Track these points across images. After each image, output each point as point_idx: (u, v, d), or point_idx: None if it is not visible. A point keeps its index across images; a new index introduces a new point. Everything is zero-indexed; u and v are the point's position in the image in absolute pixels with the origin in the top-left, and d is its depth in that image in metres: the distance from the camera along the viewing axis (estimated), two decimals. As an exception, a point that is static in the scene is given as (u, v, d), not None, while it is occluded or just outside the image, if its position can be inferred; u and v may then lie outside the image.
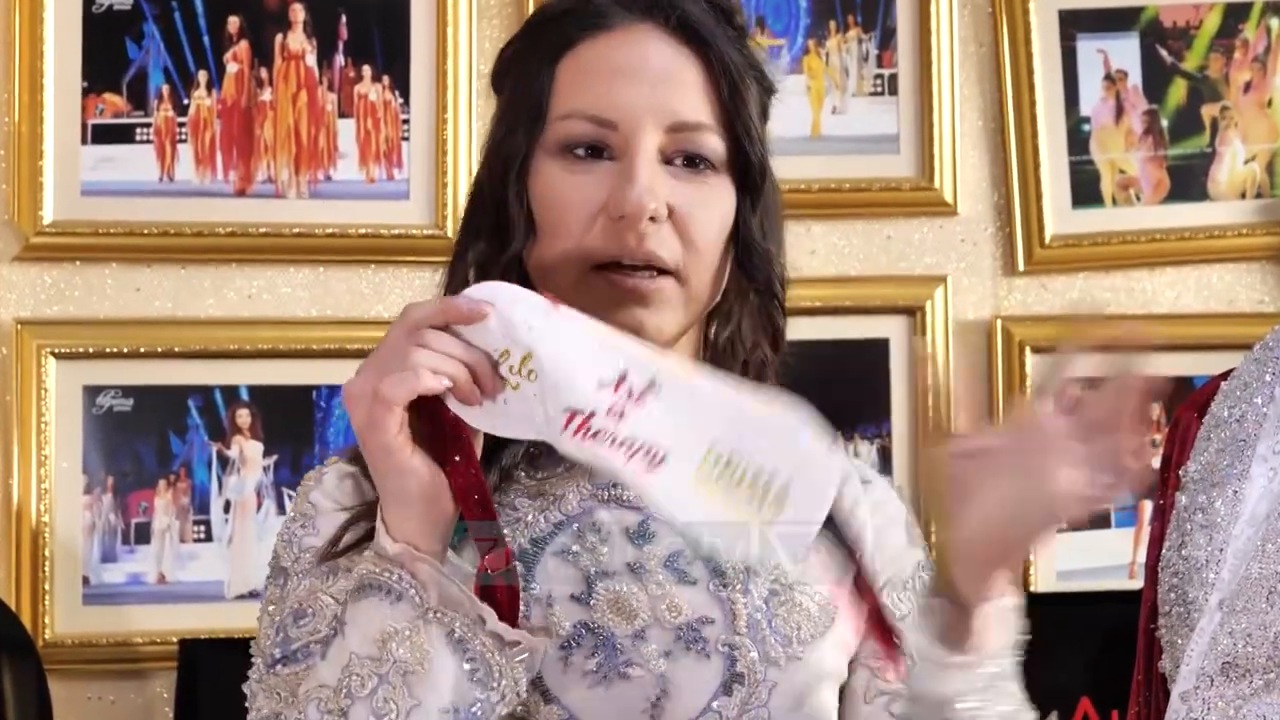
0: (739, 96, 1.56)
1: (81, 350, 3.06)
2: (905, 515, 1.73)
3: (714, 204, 1.57)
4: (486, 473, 1.60)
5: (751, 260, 1.61)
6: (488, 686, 1.47)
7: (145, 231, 3.08)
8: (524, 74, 1.60)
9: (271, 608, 1.62)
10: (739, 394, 1.46)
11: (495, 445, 1.61)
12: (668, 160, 1.55)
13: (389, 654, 1.45)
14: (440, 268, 3.02)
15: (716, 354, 1.67)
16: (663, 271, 1.56)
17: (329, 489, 1.65)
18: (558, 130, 1.56)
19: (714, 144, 1.56)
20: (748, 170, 1.58)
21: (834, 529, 1.61)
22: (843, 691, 1.66)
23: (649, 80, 1.55)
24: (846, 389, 3.16)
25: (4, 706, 2.79)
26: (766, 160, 1.60)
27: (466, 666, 1.46)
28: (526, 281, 1.58)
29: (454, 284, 1.64)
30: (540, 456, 1.63)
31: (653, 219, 1.53)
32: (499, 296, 1.43)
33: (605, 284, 1.55)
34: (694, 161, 1.56)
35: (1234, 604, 1.82)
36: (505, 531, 1.59)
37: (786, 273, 1.67)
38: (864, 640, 1.65)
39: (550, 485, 1.63)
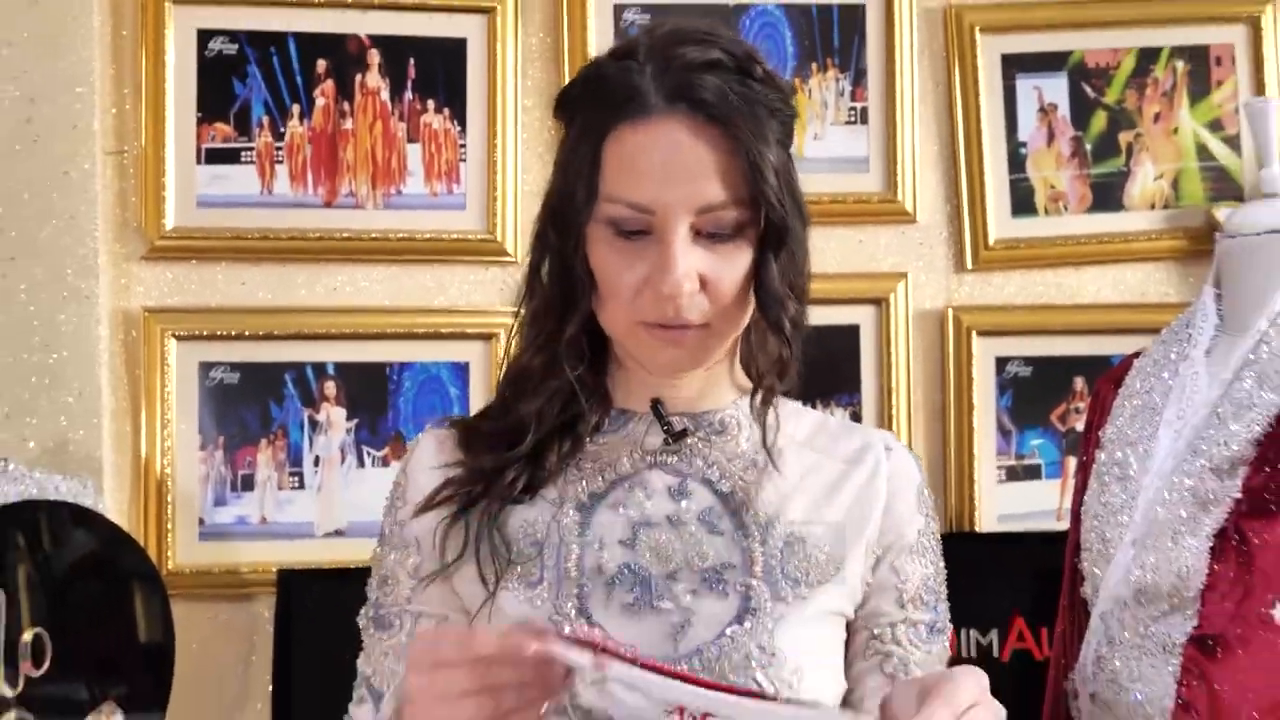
0: (757, 169, 1.52)
1: (197, 333, 3.06)
2: (919, 481, 1.70)
3: (735, 265, 1.56)
4: (564, 439, 1.64)
5: (766, 304, 1.59)
6: None
7: (249, 236, 3.09)
8: (579, 137, 1.58)
9: (375, 562, 1.68)
10: (788, 710, 1.36)
11: (571, 419, 1.64)
12: (698, 232, 1.53)
13: None
14: (489, 266, 3.07)
15: (755, 373, 1.70)
16: (694, 325, 1.56)
17: (424, 456, 1.69)
18: (606, 210, 1.54)
19: (733, 217, 1.54)
20: (769, 228, 1.55)
21: (850, 499, 1.65)
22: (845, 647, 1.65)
23: (679, 174, 1.52)
24: (825, 365, 3.15)
25: (136, 624, 2.80)
26: (789, 214, 1.56)
27: None
28: (590, 327, 1.62)
29: (533, 298, 1.66)
30: (603, 425, 1.66)
31: (689, 293, 1.53)
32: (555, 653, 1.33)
33: (650, 336, 1.57)
34: (718, 234, 1.54)
35: (1144, 542, 1.83)
36: (569, 488, 1.63)
37: (805, 304, 1.64)
38: (867, 601, 1.66)
39: (608, 450, 1.65)
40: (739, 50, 1.58)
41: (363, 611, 1.67)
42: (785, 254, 1.58)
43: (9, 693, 2.67)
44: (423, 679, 1.35)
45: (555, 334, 1.63)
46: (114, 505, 2.97)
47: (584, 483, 1.64)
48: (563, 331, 1.62)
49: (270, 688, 2.97)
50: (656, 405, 1.65)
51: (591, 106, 1.58)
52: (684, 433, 1.65)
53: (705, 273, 1.54)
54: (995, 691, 3.07)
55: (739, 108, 1.53)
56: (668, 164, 1.52)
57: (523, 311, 1.68)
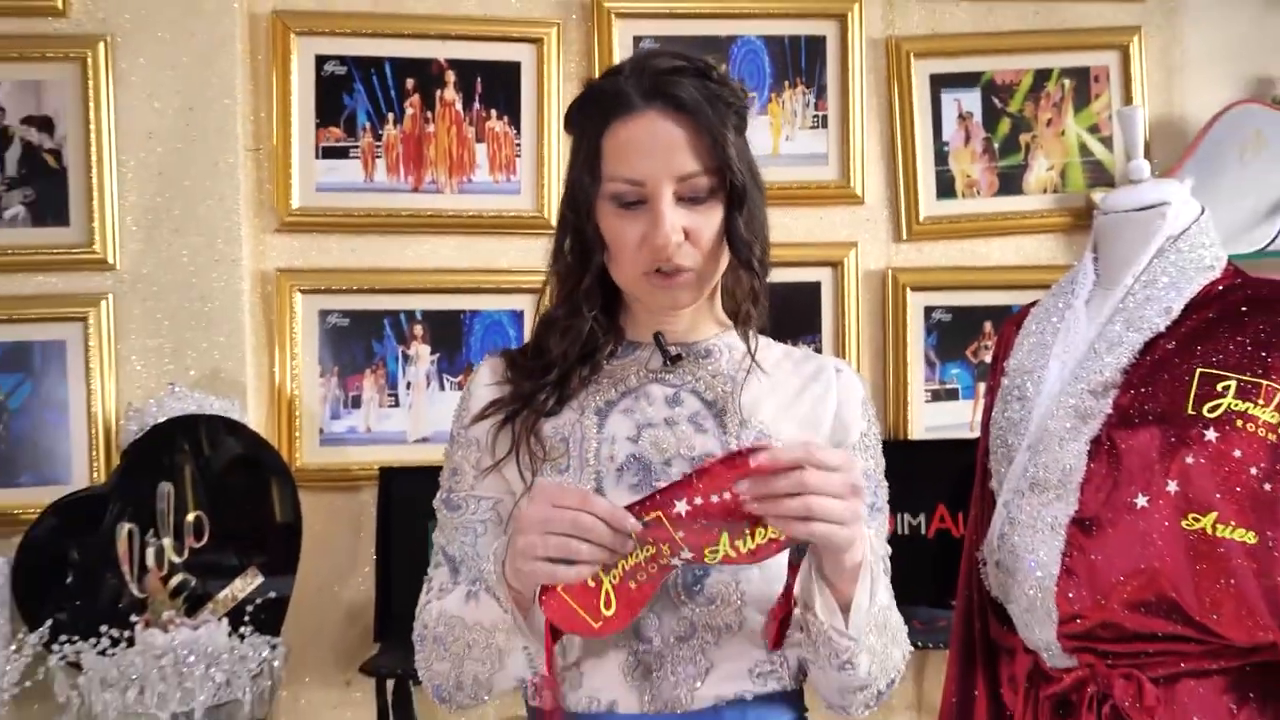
0: (719, 144, 1.54)
1: (317, 288, 3.07)
2: (862, 394, 1.68)
3: (711, 221, 1.57)
4: (584, 366, 1.64)
5: (737, 248, 1.60)
6: (535, 671, 1.53)
7: (355, 214, 3.08)
8: (583, 139, 1.60)
9: (446, 459, 1.69)
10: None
11: (590, 351, 1.65)
12: (680, 198, 1.55)
13: (495, 639, 1.50)
14: (538, 236, 3.07)
15: (733, 307, 1.71)
16: (686, 269, 1.58)
17: (482, 378, 1.70)
18: (608, 188, 1.56)
19: (706, 183, 1.55)
20: (732, 190, 1.56)
21: (809, 406, 1.64)
22: None
23: (660, 151, 1.53)
24: (793, 314, 3.18)
25: (273, 509, 2.81)
26: (747, 180, 1.57)
27: (527, 663, 1.52)
28: (603, 279, 1.63)
29: (558, 264, 1.66)
30: (616, 353, 1.67)
31: (676, 244, 1.55)
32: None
33: (651, 283, 1.59)
34: (696, 197, 1.55)
35: (1037, 447, 1.83)
36: (590, 399, 1.64)
37: (768, 251, 1.65)
38: None
39: (619, 370, 1.66)
40: (699, 61, 1.59)
41: (437, 496, 1.67)
42: (747, 209, 1.59)
43: (178, 559, 2.68)
44: (540, 511, 1.40)
45: (575, 288, 1.64)
46: (255, 418, 2.97)
47: (600, 394, 1.64)
48: (581, 285, 1.63)
49: (374, 557, 2.98)
50: (657, 336, 1.66)
51: (590, 113, 1.60)
52: (678, 357, 1.66)
53: (688, 227, 1.55)
54: (923, 561, 3.08)
55: (701, 99, 1.55)
56: (651, 145, 1.54)
57: (550, 276, 1.69)
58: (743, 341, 1.68)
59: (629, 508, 1.39)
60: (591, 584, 1.40)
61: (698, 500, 1.37)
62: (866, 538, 1.47)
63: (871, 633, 1.50)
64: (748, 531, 1.37)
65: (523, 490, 1.60)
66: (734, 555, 1.38)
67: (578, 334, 1.64)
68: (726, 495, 1.36)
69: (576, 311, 1.64)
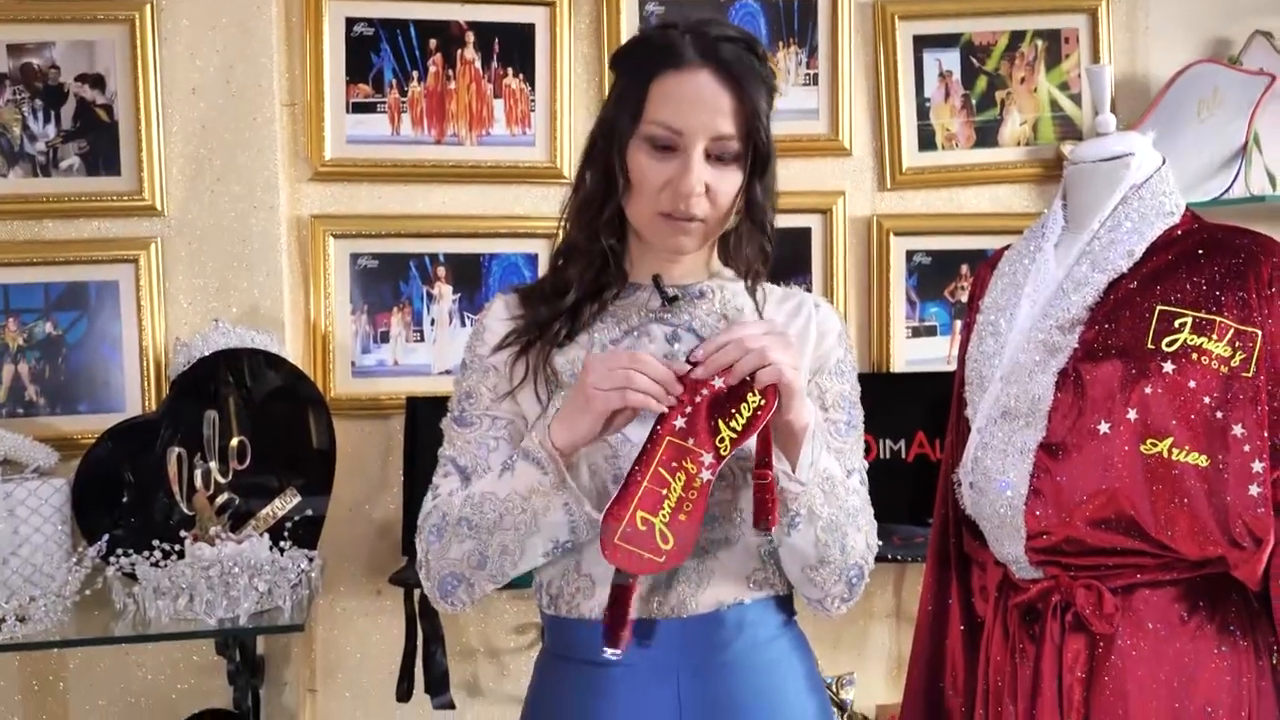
0: (756, 114, 1.55)
1: (348, 233, 3.05)
2: (839, 327, 1.70)
3: (731, 182, 1.57)
4: (594, 302, 1.64)
5: (754, 212, 1.61)
6: (578, 535, 1.53)
7: (383, 165, 3.06)
8: (629, 80, 1.59)
9: (457, 384, 1.68)
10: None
11: (599, 287, 1.65)
12: (708, 154, 1.55)
13: (531, 502, 1.50)
14: (551, 185, 3.07)
15: (727, 257, 1.70)
16: (697, 219, 1.58)
17: (496, 313, 1.69)
18: (647, 129, 1.55)
19: (735, 147, 1.55)
20: (757, 158, 1.57)
21: (792, 337, 1.64)
22: None
23: (704, 108, 1.53)
24: (786, 257, 3.17)
25: (309, 435, 2.81)
26: (771, 153, 1.58)
27: (568, 524, 1.51)
28: (621, 213, 1.63)
29: (577, 196, 1.66)
30: (620, 294, 1.66)
31: (698, 195, 1.55)
32: None
33: (665, 224, 1.58)
34: (722, 157, 1.56)
35: (1009, 378, 1.83)
36: (596, 336, 1.64)
37: (775, 217, 1.66)
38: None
39: (623, 310, 1.66)
40: (750, 35, 1.60)
41: (445, 418, 1.66)
42: (768, 178, 1.60)
43: (223, 480, 2.70)
44: (598, 361, 1.47)
45: (596, 216, 1.63)
46: (292, 352, 2.98)
47: (606, 332, 1.64)
48: (602, 214, 1.63)
49: (402, 478, 2.99)
50: (657, 279, 1.65)
51: (642, 58, 1.59)
52: (675, 298, 1.65)
53: (710, 183, 1.56)
54: (903, 483, 3.08)
55: (748, 71, 1.55)
56: (697, 101, 1.54)
57: (568, 205, 1.68)
58: (748, 296, 1.68)
59: (648, 444, 1.46)
60: (643, 527, 1.44)
61: (688, 410, 1.45)
62: (813, 410, 1.52)
63: (819, 494, 1.52)
64: (734, 411, 1.45)
65: (535, 416, 1.61)
66: (737, 435, 1.45)
67: (593, 259, 1.64)
68: (704, 391, 1.45)
69: (594, 239, 1.63)
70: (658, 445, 1.45)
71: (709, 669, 1.58)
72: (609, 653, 1.49)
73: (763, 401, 1.45)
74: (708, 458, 1.45)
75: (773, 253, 1.67)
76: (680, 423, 1.45)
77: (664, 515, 1.45)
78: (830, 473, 1.54)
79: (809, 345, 1.66)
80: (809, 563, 1.55)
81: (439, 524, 1.56)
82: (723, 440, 1.45)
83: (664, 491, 1.45)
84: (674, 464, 1.45)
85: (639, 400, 1.44)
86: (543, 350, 1.62)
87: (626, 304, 1.66)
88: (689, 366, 1.47)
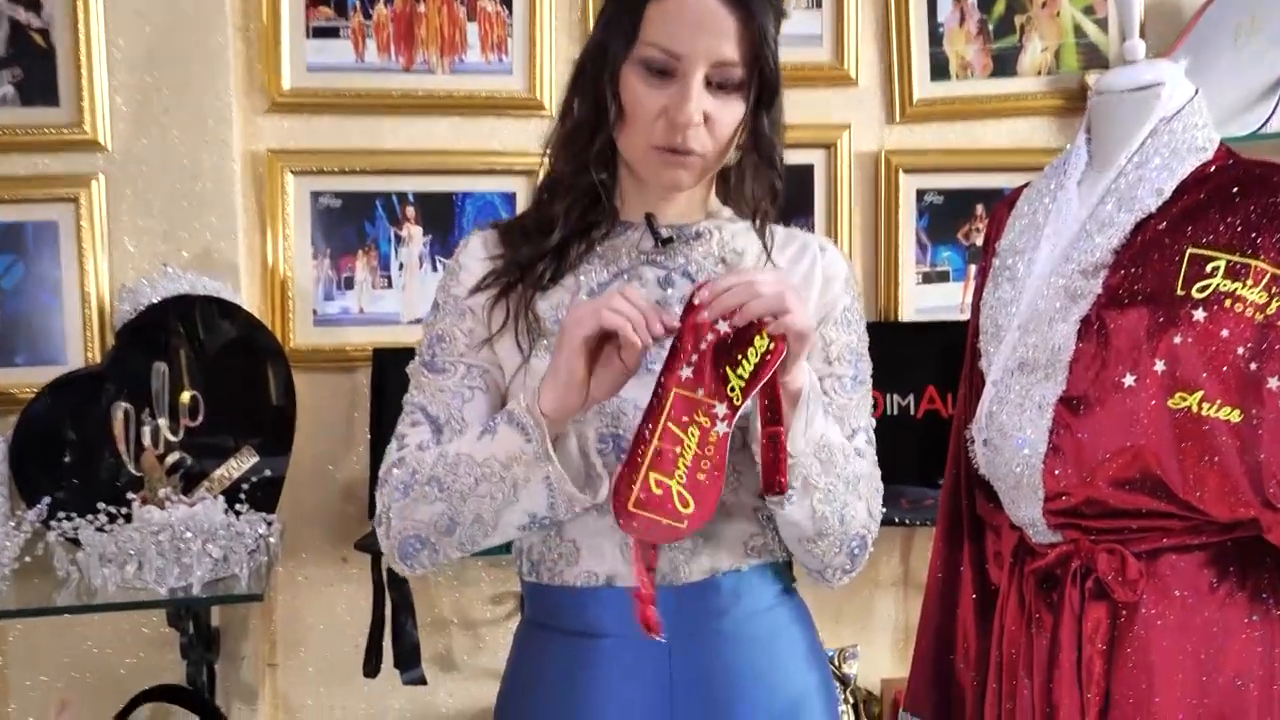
0: (763, 39, 1.53)
1: (308, 169, 3.04)
2: (846, 272, 1.69)
3: (732, 112, 1.56)
4: (581, 241, 1.64)
5: (759, 146, 1.61)
6: (556, 512, 1.51)
7: (347, 95, 3.04)
8: (625, 1, 1.57)
9: (428, 326, 1.67)
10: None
11: (587, 226, 1.65)
12: (709, 82, 1.53)
13: (511, 471, 1.48)
14: (530, 118, 3.06)
15: (726, 196, 1.70)
16: (695, 153, 1.56)
17: (473, 251, 1.68)
18: (643, 51, 1.54)
19: (738, 75, 1.54)
20: (764, 87, 1.56)
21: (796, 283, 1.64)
22: None
23: (706, 32, 1.51)
24: (786, 195, 3.16)
25: (267, 389, 2.81)
26: (778, 81, 1.57)
27: (547, 500, 1.49)
28: (611, 145, 1.61)
29: (564, 126, 1.65)
30: (610, 233, 1.66)
31: (696, 125, 1.54)
32: None
33: (660, 157, 1.57)
34: (724, 85, 1.54)
35: (1027, 327, 1.83)
36: (583, 279, 1.63)
37: (784, 152, 1.65)
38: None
39: (612, 251, 1.65)
40: None
41: (413, 362, 1.65)
42: (775, 108, 1.59)
43: (173, 438, 2.70)
44: (598, 300, 1.45)
45: (585, 148, 1.62)
46: (248, 299, 2.97)
47: (594, 274, 1.64)
48: (592, 146, 1.62)
49: (368, 436, 3.00)
50: (649, 218, 1.64)
51: None
52: (669, 239, 1.65)
53: (709, 112, 1.54)
54: (911, 441, 3.09)
55: None
56: (698, 24, 1.52)
57: (553, 136, 1.67)
58: (757, 236, 1.68)
59: (654, 399, 1.44)
60: (659, 491, 1.42)
61: (694, 357, 1.43)
62: (809, 372, 1.51)
63: (815, 463, 1.52)
64: (741, 357, 1.43)
65: (515, 367, 1.61)
66: (745, 383, 1.43)
67: (580, 195, 1.63)
68: (709, 336, 1.43)
69: (583, 172, 1.62)
70: (664, 399, 1.43)
71: (703, 639, 1.59)
72: (651, 636, 1.50)
73: (772, 346, 1.43)
74: (721, 408, 1.43)
75: (783, 191, 1.67)
76: (686, 372, 1.43)
77: (680, 476, 1.43)
78: (828, 439, 1.54)
79: (813, 292, 1.66)
80: (805, 535, 1.56)
81: (406, 480, 1.55)
82: (733, 389, 1.43)
83: (678, 450, 1.43)
84: (685, 419, 1.43)
85: (613, 320, 1.41)
86: (524, 294, 1.61)
87: (616, 244, 1.66)
88: (688, 311, 1.45)
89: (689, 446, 1.43)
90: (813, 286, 1.66)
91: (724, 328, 1.43)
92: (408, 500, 1.54)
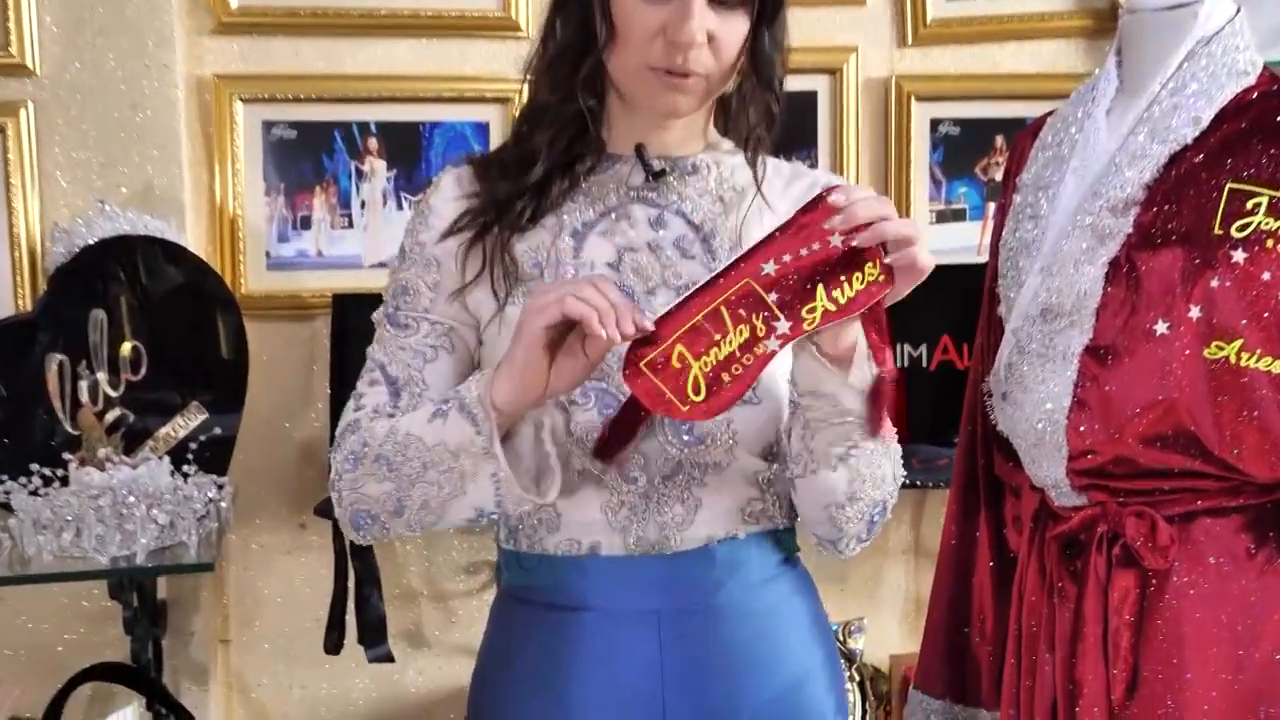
0: None
1: (260, 96, 3.02)
2: None
3: (737, 31, 1.55)
4: (564, 176, 1.63)
5: (759, 67, 1.60)
6: (504, 508, 1.52)
7: (302, 13, 3.02)
8: None
9: (393, 274, 1.67)
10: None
11: (571, 160, 1.64)
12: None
13: (459, 463, 1.48)
14: (504, 40, 3.04)
15: (727, 125, 1.70)
16: (696, 74, 1.55)
17: (445, 190, 1.67)
18: None
19: None
20: (765, 3, 1.56)
21: None
22: None
23: None
24: (786, 126, 3.15)
25: (217, 341, 2.81)
26: None
27: (494, 496, 1.50)
28: (601, 69, 1.60)
29: (547, 49, 1.64)
30: (596, 167, 1.65)
31: (699, 45, 1.53)
32: None
33: (657, 79, 1.56)
34: (728, 2, 1.53)
35: (1050, 269, 1.84)
36: (566, 219, 1.63)
37: (785, 75, 1.64)
38: None
39: (599, 187, 1.64)
40: None
41: (379, 311, 1.66)
42: (777, 26, 1.59)
43: (113, 394, 2.70)
44: (564, 286, 1.41)
45: (571, 73, 1.61)
46: (194, 240, 2.96)
47: (578, 214, 1.63)
48: (579, 70, 1.60)
49: (328, 391, 3.00)
50: (640, 149, 1.63)
51: None
52: (662, 173, 1.64)
53: (713, 30, 1.53)
54: (923, 395, 3.10)
55: None
56: None
57: (535, 60, 1.66)
58: (749, 166, 1.67)
59: (720, 277, 1.41)
60: (677, 365, 1.41)
61: (786, 257, 1.40)
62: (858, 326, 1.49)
63: (857, 418, 1.52)
64: (844, 279, 1.40)
65: (490, 315, 1.60)
66: (833, 308, 1.40)
67: (565, 124, 1.62)
68: (815, 245, 1.39)
69: (568, 100, 1.61)
70: (732, 282, 1.40)
71: (696, 614, 1.60)
72: (592, 463, 1.52)
73: (881, 277, 1.40)
74: (783, 325, 1.40)
75: (780, 117, 1.66)
76: (770, 268, 1.40)
77: (706, 364, 1.41)
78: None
79: None
80: (836, 500, 1.56)
81: (356, 451, 1.56)
82: (813, 310, 1.40)
83: (717, 338, 1.41)
84: (742, 312, 1.40)
85: (578, 309, 1.38)
86: (501, 235, 1.61)
87: (603, 179, 1.65)
88: (810, 209, 1.41)
89: (730, 341, 1.41)
90: None
91: (838, 242, 1.40)
92: (356, 474, 1.56)
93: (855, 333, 1.46)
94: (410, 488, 1.52)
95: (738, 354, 1.41)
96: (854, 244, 1.39)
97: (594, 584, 1.59)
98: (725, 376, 1.41)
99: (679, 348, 1.41)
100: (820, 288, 1.40)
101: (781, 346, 1.42)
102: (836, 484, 1.54)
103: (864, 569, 3.33)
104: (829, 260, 1.40)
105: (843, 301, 1.40)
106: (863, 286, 1.40)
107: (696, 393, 1.42)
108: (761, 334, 1.41)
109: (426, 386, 1.59)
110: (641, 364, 1.42)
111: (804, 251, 1.39)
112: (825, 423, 1.51)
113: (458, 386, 1.52)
